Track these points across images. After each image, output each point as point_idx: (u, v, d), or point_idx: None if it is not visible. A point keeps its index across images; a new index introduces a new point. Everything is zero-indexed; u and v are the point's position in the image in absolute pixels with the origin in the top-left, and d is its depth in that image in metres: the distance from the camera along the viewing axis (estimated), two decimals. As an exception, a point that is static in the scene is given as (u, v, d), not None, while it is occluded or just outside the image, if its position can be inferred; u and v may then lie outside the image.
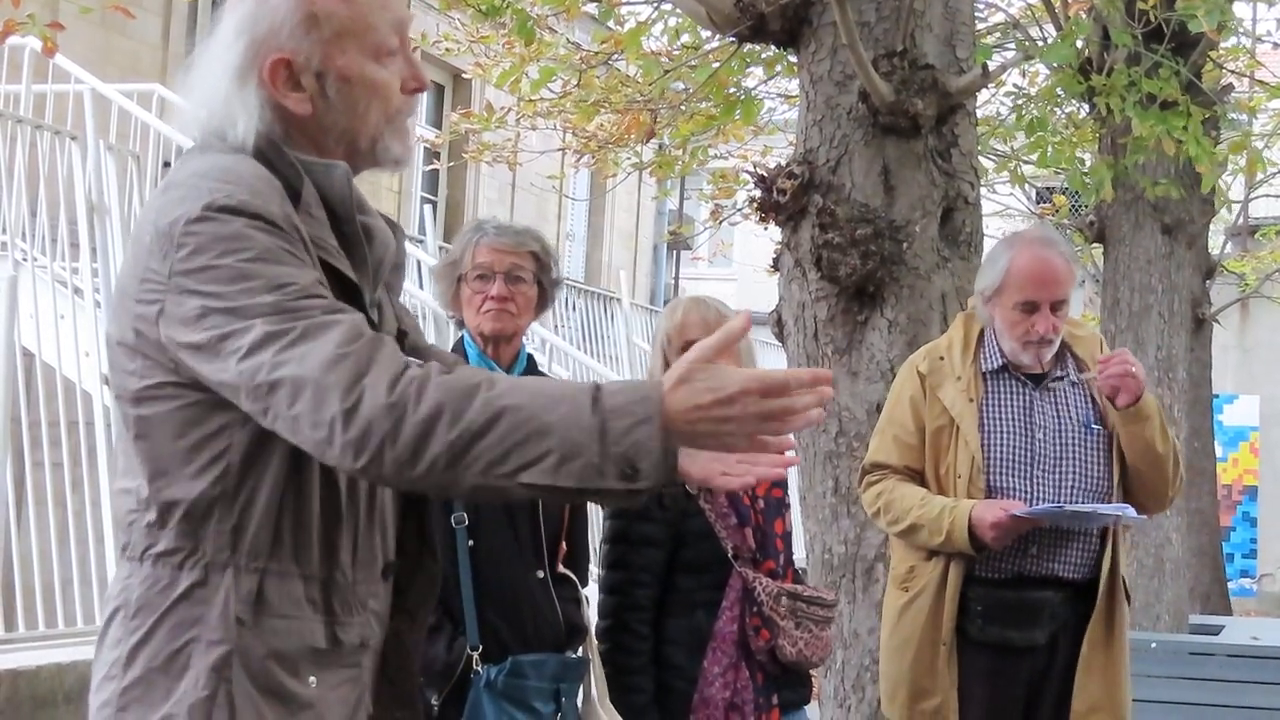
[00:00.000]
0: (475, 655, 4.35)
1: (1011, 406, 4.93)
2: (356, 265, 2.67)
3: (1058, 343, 4.93)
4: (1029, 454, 4.87)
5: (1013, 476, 4.86)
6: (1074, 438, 4.88)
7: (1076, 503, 4.80)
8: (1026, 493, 4.83)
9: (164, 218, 2.53)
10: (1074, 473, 4.85)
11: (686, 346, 4.63)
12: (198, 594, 2.55)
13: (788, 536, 4.78)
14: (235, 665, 2.53)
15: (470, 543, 4.40)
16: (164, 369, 2.54)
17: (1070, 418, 4.91)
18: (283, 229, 2.51)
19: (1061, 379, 4.97)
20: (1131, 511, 4.79)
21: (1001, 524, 4.69)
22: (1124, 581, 4.95)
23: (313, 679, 2.59)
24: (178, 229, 2.49)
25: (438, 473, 2.36)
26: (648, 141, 12.53)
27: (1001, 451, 4.88)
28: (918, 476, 4.97)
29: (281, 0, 2.66)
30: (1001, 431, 4.90)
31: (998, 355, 4.96)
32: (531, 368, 4.69)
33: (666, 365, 4.65)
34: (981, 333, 5.01)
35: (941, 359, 5.01)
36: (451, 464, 2.35)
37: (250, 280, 2.44)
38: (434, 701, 4.33)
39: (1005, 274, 4.90)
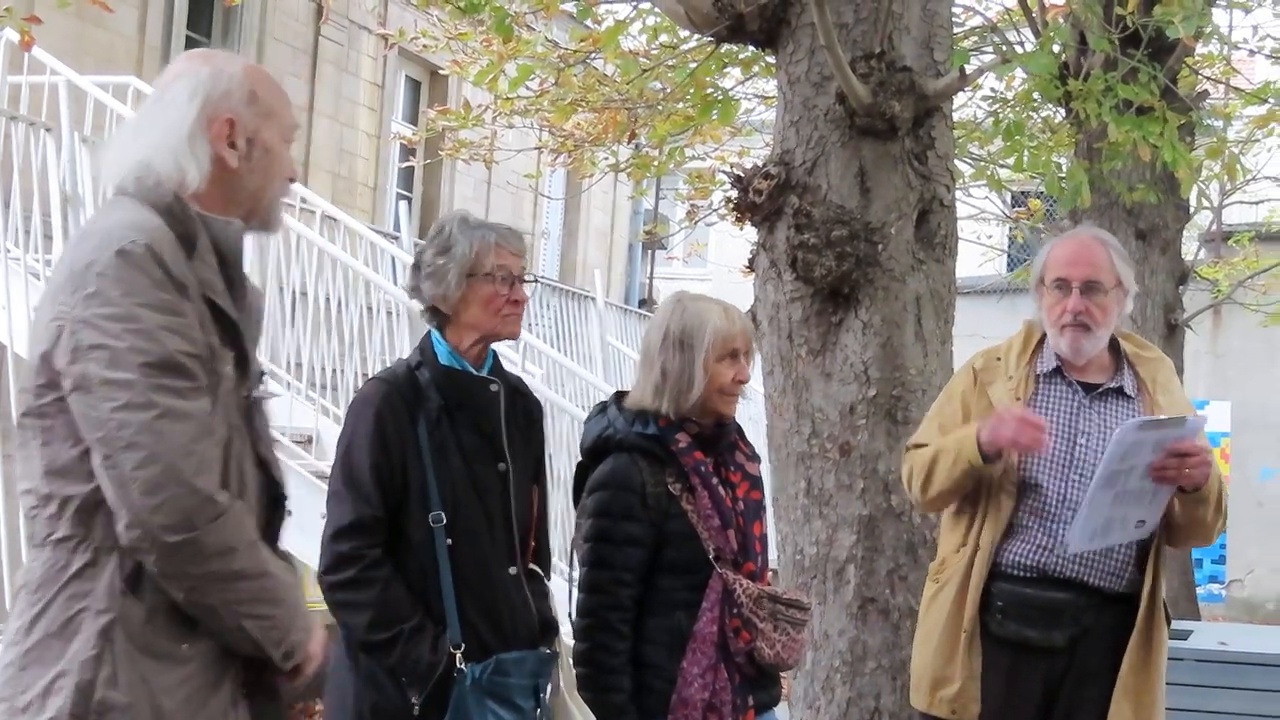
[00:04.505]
0: (458, 654, 4.35)
1: (1058, 410, 4.94)
2: (239, 308, 3.25)
3: (1100, 337, 4.95)
4: (1069, 456, 4.88)
5: (1047, 475, 4.87)
6: None
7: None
8: (1060, 492, 4.85)
9: (79, 260, 3.04)
10: None
11: (732, 355, 4.63)
12: (88, 573, 3.06)
13: (765, 539, 4.79)
14: (118, 630, 3.03)
15: (449, 541, 4.40)
16: (60, 388, 3.05)
17: (1116, 431, 4.91)
18: (176, 279, 3.05)
19: (1116, 391, 4.99)
20: (1191, 418, 4.81)
21: (1014, 413, 4.74)
22: (1165, 603, 4.95)
23: (185, 644, 3.10)
24: (92, 270, 3.01)
25: (203, 578, 3.05)
26: (625, 141, 12.52)
27: (1040, 450, 4.90)
28: None
29: (235, 72, 3.29)
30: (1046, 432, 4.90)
31: (1053, 358, 4.98)
32: (496, 364, 4.68)
33: (705, 368, 4.61)
34: (1043, 339, 5.03)
35: (998, 359, 5.07)
36: (219, 580, 3.06)
37: (138, 323, 2.99)
38: (415, 701, 4.33)
39: (1045, 260, 5.01)
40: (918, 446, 5.08)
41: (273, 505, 3.37)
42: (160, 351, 2.99)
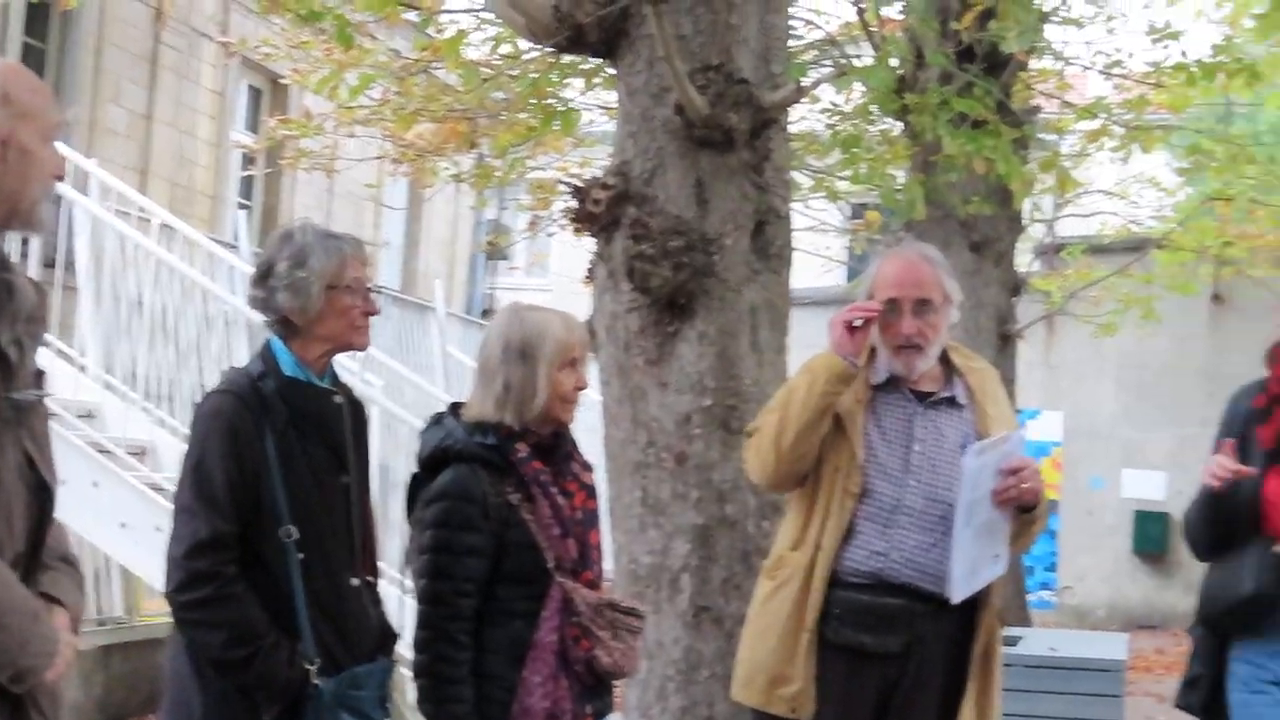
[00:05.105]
0: (312, 669, 4.33)
1: (893, 418, 4.99)
2: None
3: (930, 353, 5.01)
4: (904, 464, 4.94)
5: (882, 482, 4.92)
6: (949, 458, 4.94)
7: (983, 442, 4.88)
8: (895, 497, 4.91)
9: None
10: (945, 489, 4.89)
11: (572, 363, 4.67)
12: None
13: (600, 548, 4.81)
14: None
15: (300, 555, 4.37)
16: None
17: (948, 438, 4.99)
18: None
19: (949, 400, 5.06)
20: (1012, 433, 4.96)
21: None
22: (999, 613, 5.07)
23: None
24: None
25: None
26: (467, 151, 12.52)
27: (878, 456, 4.94)
28: None
29: None
30: (881, 439, 4.96)
31: (885, 369, 5.03)
32: (334, 374, 4.66)
33: (548, 378, 4.63)
34: (874, 350, 5.07)
35: None
36: None
37: None
38: (266, 718, 4.30)
39: (874, 279, 5.04)
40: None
41: (42, 505, 3.36)
42: None
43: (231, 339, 11.05)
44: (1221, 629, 5.10)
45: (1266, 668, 4.95)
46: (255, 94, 19.33)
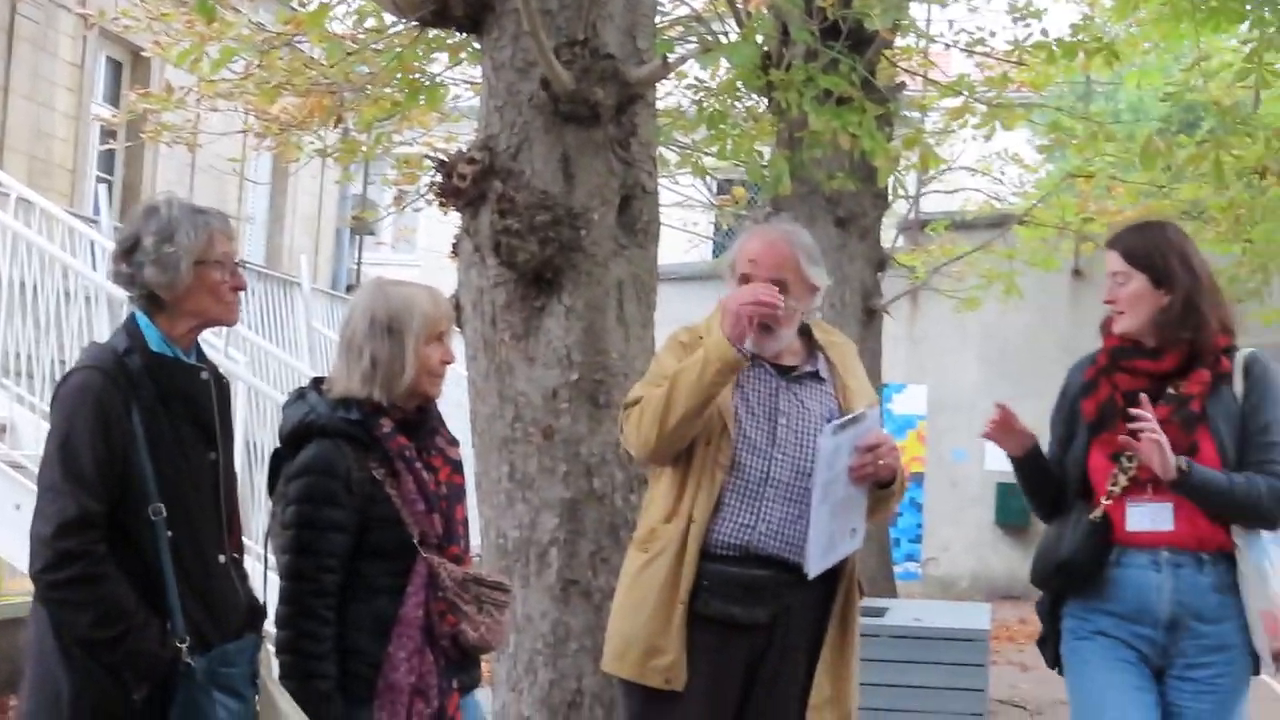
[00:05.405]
0: (184, 648, 4.29)
1: (758, 393, 5.03)
2: None
3: (783, 335, 5.04)
4: (770, 437, 4.97)
5: (749, 455, 4.95)
6: (813, 431, 4.97)
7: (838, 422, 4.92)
8: (763, 470, 4.94)
9: None
10: (812, 462, 4.92)
11: (439, 337, 4.68)
12: None
13: (467, 523, 4.81)
14: None
15: (169, 533, 4.32)
16: None
17: (812, 412, 5.03)
18: None
19: (812, 374, 5.11)
20: (868, 410, 4.99)
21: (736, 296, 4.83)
22: (860, 581, 5.13)
23: None
24: None
25: None
26: (332, 126, 12.44)
27: (745, 430, 4.97)
28: None
29: None
30: (747, 413, 4.99)
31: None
32: (199, 350, 4.62)
33: (415, 353, 4.64)
34: None
35: (701, 338, 5.06)
36: None
37: None
38: (136, 697, 4.26)
39: (738, 250, 5.09)
40: (636, 402, 5.11)
41: None
42: None
43: (92, 314, 10.92)
44: (1050, 590, 5.26)
45: (1089, 620, 5.12)
46: (115, 66, 19.08)
